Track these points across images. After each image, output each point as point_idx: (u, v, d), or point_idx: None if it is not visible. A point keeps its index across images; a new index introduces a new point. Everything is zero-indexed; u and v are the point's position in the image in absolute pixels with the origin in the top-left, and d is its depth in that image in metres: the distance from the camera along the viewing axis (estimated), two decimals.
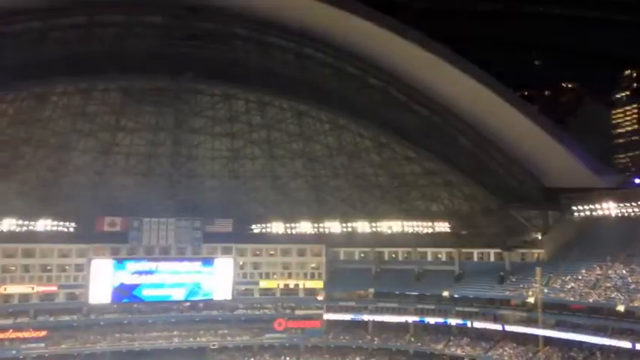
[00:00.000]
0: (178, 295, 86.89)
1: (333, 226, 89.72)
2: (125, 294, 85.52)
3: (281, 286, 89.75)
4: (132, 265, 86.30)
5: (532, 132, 77.93)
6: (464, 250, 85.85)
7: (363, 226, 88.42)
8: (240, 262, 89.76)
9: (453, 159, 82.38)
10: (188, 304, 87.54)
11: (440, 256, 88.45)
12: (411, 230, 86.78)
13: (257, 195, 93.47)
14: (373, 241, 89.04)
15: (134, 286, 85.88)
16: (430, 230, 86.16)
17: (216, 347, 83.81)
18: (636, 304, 61.64)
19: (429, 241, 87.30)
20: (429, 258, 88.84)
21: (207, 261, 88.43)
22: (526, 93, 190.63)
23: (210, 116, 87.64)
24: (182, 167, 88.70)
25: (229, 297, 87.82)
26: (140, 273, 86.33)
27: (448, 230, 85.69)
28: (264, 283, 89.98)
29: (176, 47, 73.00)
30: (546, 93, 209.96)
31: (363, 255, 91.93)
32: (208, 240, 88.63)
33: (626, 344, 62.26)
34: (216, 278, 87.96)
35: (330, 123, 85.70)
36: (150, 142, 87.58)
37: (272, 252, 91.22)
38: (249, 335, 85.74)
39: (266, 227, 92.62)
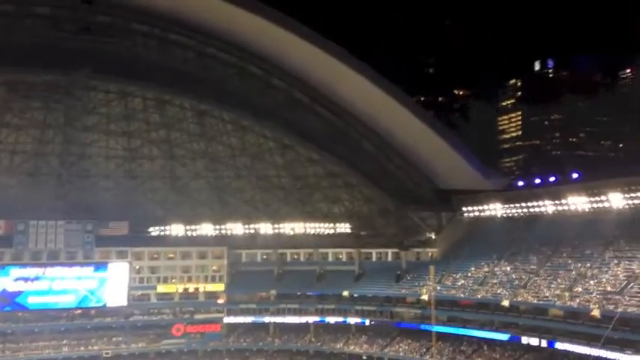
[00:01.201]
0: (68, 302, 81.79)
1: (236, 228, 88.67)
2: (7, 302, 79.27)
3: (180, 290, 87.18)
4: (16, 271, 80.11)
5: (427, 136, 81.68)
6: (363, 250, 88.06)
7: (265, 228, 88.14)
8: (137, 267, 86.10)
9: (354, 161, 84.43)
10: (79, 311, 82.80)
11: (341, 256, 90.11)
12: (313, 231, 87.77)
13: (155, 196, 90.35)
14: (276, 242, 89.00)
15: (17, 294, 79.80)
16: (332, 231, 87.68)
17: (109, 356, 79.84)
18: (519, 299, 66.15)
19: (331, 241, 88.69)
20: (330, 258, 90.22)
21: (100, 266, 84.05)
22: (422, 99, 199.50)
23: (105, 114, 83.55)
24: (73, 167, 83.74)
25: (124, 303, 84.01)
26: (25, 279, 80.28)
27: (349, 231, 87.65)
28: (162, 288, 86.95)
29: (70, 41, 69.02)
30: (440, 99, 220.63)
31: (265, 257, 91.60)
32: (102, 244, 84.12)
33: (510, 337, 66.75)
34: (110, 284, 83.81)
35: (232, 123, 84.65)
36: (37, 140, 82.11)
37: (171, 255, 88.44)
38: (145, 342, 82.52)
39: (165, 230, 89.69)
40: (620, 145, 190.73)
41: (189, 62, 77.30)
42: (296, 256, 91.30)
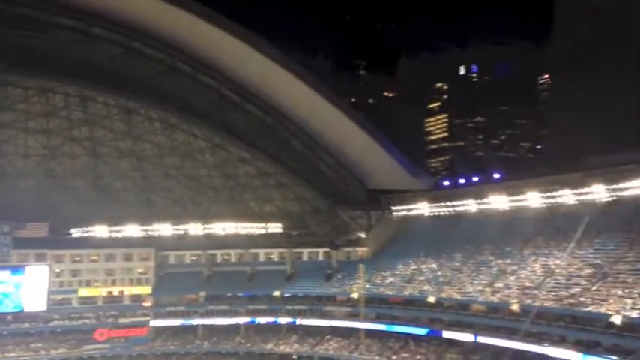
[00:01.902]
0: None
1: (163, 229, 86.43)
2: None
3: (104, 293, 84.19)
4: None
5: (358, 136, 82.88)
6: (295, 250, 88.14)
7: (195, 228, 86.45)
8: (57, 270, 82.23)
9: (285, 161, 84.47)
10: None
11: (272, 256, 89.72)
12: (244, 231, 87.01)
13: (77, 196, 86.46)
14: (205, 243, 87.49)
15: None
16: (263, 231, 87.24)
17: None
18: (444, 295, 68.44)
19: (262, 241, 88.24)
20: (262, 259, 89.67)
21: (17, 269, 79.56)
22: (353, 100, 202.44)
23: (23, 110, 79.41)
24: None
25: (44, 307, 79.99)
26: None
27: (280, 231, 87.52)
28: (84, 291, 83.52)
29: None
30: (370, 101, 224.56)
31: (194, 258, 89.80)
32: (19, 246, 79.83)
33: (436, 332, 68.85)
34: (28, 288, 79.52)
35: (161, 121, 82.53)
36: None
37: (94, 257, 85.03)
38: (65, 348, 78.96)
39: (88, 231, 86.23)
40: (538, 147, 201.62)
41: (116, 58, 74.59)
42: (226, 257, 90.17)
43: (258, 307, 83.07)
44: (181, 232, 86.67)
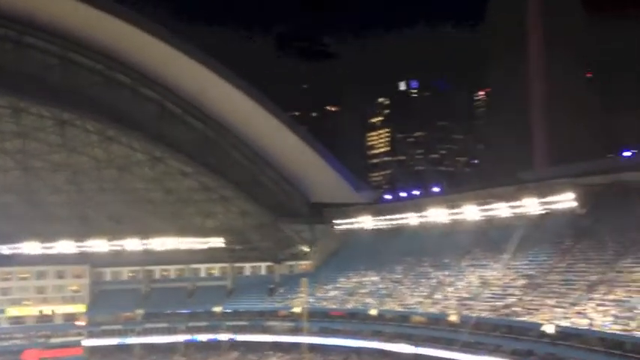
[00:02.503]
0: None
1: (99, 245, 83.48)
2: None
3: (35, 312, 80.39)
4: None
5: (301, 150, 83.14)
6: (237, 264, 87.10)
7: (133, 244, 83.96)
8: None
9: (228, 174, 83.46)
10: None
11: (213, 271, 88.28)
12: (184, 247, 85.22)
13: (7, 211, 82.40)
14: (144, 259, 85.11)
15: None
16: (204, 246, 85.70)
17: None
18: (386, 308, 69.14)
19: (203, 257, 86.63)
20: (203, 274, 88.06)
21: None
22: (296, 114, 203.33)
23: None
24: None
25: None
26: None
27: (222, 245, 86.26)
28: (13, 311, 79.59)
29: None
30: (314, 115, 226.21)
31: (132, 274, 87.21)
32: None
33: (377, 345, 69.36)
34: None
35: (98, 134, 79.95)
36: None
37: (24, 275, 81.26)
38: None
39: (17, 248, 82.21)
40: (475, 162, 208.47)
41: (52, 68, 72.10)
42: (165, 273, 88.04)
43: (198, 324, 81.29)
44: (118, 247, 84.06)
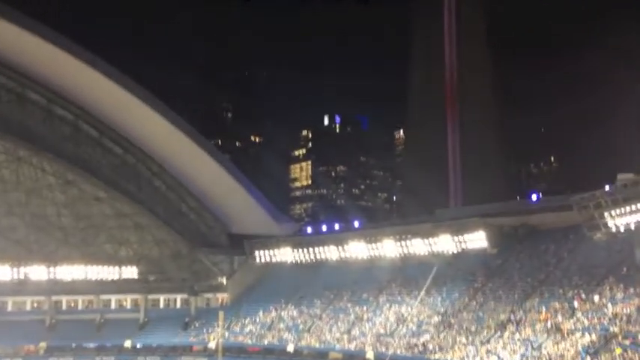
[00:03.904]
0: None
1: (1, 272, 77.84)
2: None
3: None
4: None
5: (223, 179, 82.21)
6: (150, 296, 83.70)
7: (38, 272, 78.65)
8: None
9: (145, 201, 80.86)
10: None
11: (125, 303, 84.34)
12: (95, 276, 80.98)
13: None
14: (49, 288, 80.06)
15: None
16: (116, 276, 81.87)
17: None
18: (303, 343, 68.58)
19: (114, 287, 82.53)
20: (113, 306, 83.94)
21: None
22: (219, 142, 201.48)
23: None
24: None
25: None
26: None
27: (136, 276, 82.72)
28: None
29: None
30: (237, 144, 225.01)
31: (36, 305, 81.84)
32: None
33: None
34: None
35: (6, 154, 75.52)
36: None
37: None
38: None
39: None
40: (394, 198, 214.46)
41: None
42: (73, 304, 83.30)
43: (106, 359, 77.17)
44: (22, 276, 78.69)
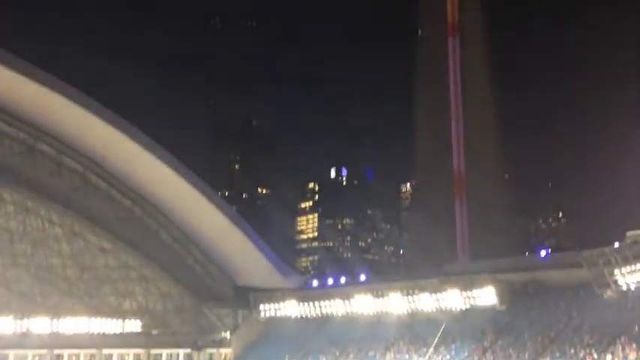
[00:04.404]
0: None
1: (3, 324, 76.92)
2: None
3: None
4: None
5: (229, 231, 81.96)
6: (153, 351, 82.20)
7: (41, 325, 77.71)
8: None
9: (151, 253, 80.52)
10: None
11: (127, 357, 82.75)
12: (98, 329, 79.83)
13: None
14: (52, 341, 78.80)
15: None
16: (119, 329, 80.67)
17: None
18: None
19: (117, 341, 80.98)
20: None
21: None
22: (226, 193, 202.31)
23: None
24: None
25: None
26: None
27: (139, 329, 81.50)
28: None
29: None
30: (244, 196, 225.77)
31: (37, 358, 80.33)
32: None
33: None
34: None
35: (15, 204, 75.97)
36: None
37: None
38: None
39: None
40: (401, 252, 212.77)
41: None
42: (75, 358, 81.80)
43: None
44: (25, 328, 77.69)
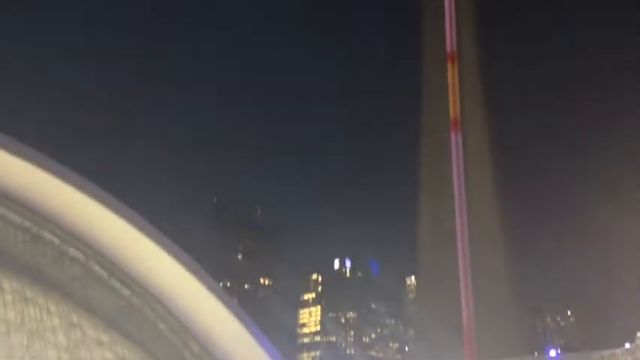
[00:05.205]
0: None
1: None
2: None
3: None
4: None
5: (229, 323, 79.95)
6: None
7: None
8: None
9: (148, 345, 78.38)
10: None
11: None
12: None
13: None
14: None
15: None
16: None
17: None
18: None
19: None
20: None
21: None
22: (228, 284, 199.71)
23: None
24: None
25: None
26: None
27: None
28: None
29: None
30: (246, 287, 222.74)
31: None
32: None
33: None
34: None
35: (13, 294, 74.81)
36: None
37: None
38: None
39: None
40: (406, 348, 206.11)
41: None
42: None
43: None
44: None
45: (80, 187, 71.57)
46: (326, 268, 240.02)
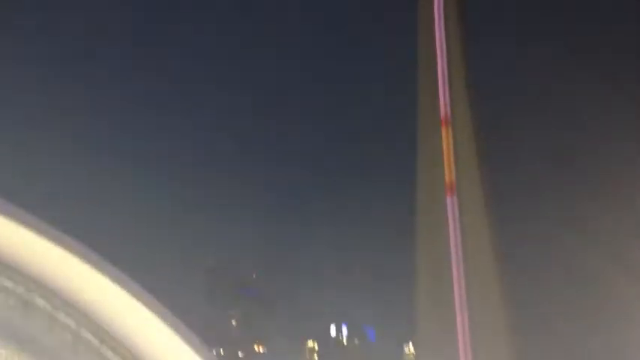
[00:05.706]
0: None
1: None
2: None
3: None
4: None
5: None
6: None
7: None
8: None
9: None
10: None
11: None
12: None
13: None
14: None
15: None
16: None
17: None
18: None
19: None
20: None
21: None
22: (221, 351, 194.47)
23: None
24: None
25: None
26: None
27: None
28: None
29: None
30: (239, 354, 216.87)
31: None
32: None
33: None
34: None
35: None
36: None
37: None
38: None
39: None
40: None
41: None
42: None
43: None
44: None
45: (75, 251, 70.90)
46: (322, 334, 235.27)
